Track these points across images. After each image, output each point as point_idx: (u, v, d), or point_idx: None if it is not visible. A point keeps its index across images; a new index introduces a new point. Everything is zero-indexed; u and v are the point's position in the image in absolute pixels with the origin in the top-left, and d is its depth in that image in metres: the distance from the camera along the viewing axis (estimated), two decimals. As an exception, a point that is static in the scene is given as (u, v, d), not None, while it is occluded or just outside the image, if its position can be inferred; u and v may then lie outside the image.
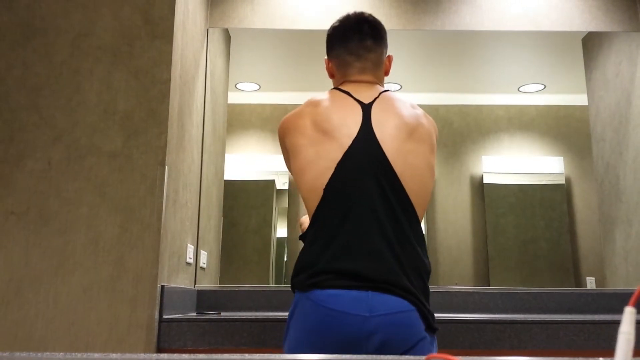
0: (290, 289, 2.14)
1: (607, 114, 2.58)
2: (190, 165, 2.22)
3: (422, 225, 2.46)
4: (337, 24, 1.40)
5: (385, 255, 1.18)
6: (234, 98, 2.58)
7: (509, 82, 2.60)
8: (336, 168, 1.22)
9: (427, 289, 1.23)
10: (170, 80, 1.85)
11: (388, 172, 1.22)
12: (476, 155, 2.54)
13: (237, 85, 2.59)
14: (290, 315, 1.23)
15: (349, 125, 1.26)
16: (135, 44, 1.88)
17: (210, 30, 2.62)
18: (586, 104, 2.59)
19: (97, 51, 1.88)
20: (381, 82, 1.41)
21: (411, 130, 1.27)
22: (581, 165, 2.53)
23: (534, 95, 2.59)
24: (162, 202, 1.77)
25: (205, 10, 2.55)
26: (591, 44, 2.65)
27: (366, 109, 1.29)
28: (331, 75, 1.45)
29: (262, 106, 2.57)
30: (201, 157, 2.46)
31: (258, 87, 2.59)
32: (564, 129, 2.56)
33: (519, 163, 2.53)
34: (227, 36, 2.64)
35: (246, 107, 2.57)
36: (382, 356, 0.68)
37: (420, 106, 2.58)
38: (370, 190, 1.21)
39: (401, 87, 2.60)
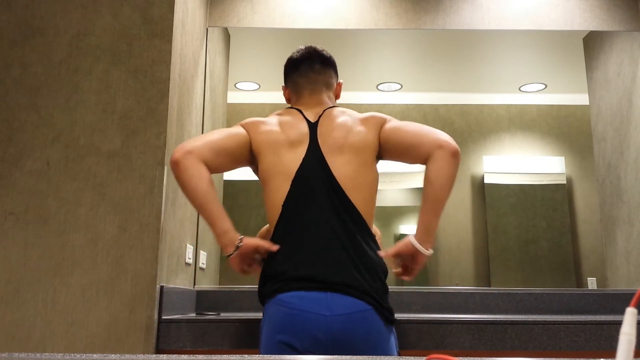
0: None
1: (609, 113, 2.57)
2: (189, 165, 2.21)
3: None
4: (291, 55, 1.61)
5: (342, 261, 1.31)
6: (233, 97, 2.58)
7: (510, 82, 2.59)
8: (291, 185, 1.38)
9: (385, 286, 1.35)
10: (169, 79, 1.84)
11: (336, 188, 1.38)
12: (477, 155, 2.53)
13: (237, 85, 2.59)
14: (262, 324, 1.34)
15: (300, 143, 1.43)
16: (134, 43, 1.87)
17: (210, 29, 2.62)
18: (587, 103, 2.58)
19: (96, 50, 1.87)
20: (331, 102, 1.58)
21: (349, 144, 1.42)
22: (582, 165, 2.52)
23: (535, 95, 2.58)
24: (161, 202, 1.76)
25: (204, 9, 2.55)
26: (592, 44, 2.64)
27: (312, 127, 1.46)
28: (288, 101, 1.63)
29: (262, 106, 2.57)
30: (201, 157, 2.45)
31: (258, 86, 2.58)
32: (565, 129, 2.55)
33: (520, 163, 2.52)
34: (226, 35, 2.64)
35: (246, 106, 2.57)
36: (371, 357, 0.68)
37: (420, 106, 2.57)
38: (322, 205, 1.36)
39: (401, 86, 2.59)
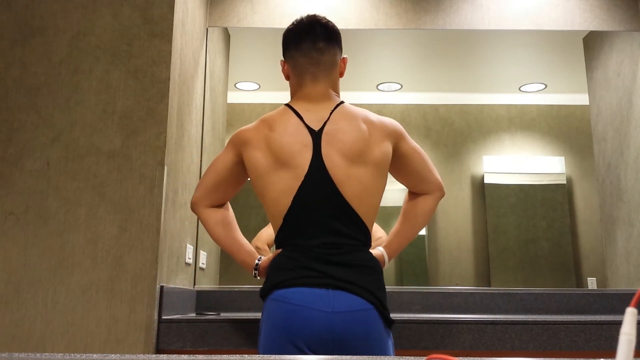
0: None
1: (609, 113, 2.57)
2: (189, 165, 2.22)
3: (423, 225, 2.45)
4: (291, 26, 1.47)
5: (344, 261, 1.31)
6: (233, 97, 2.58)
7: (510, 82, 2.59)
8: (293, 199, 1.34)
9: (383, 286, 1.36)
10: (169, 79, 1.84)
11: (339, 200, 1.34)
12: (477, 155, 2.53)
13: (237, 85, 2.59)
14: (261, 322, 1.33)
15: (301, 156, 1.35)
16: (134, 43, 1.87)
17: (210, 29, 2.62)
18: (587, 103, 2.58)
19: (96, 50, 1.87)
20: (335, 86, 1.48)
21: (357, 155, 1.36)
22: (582, 165, 2.52)
23: (535, 95, 2.58)
24: (161, 202, 1.76)
25: (204, 9, 2.55)
26: (592, 43, 2.64)
27: (316, 137, 1.37)
28: (287, 77, 1.50)
29: (262, 106, 2.57)
30: (200, 157, 2.45)
31: (257, 86, 2.58)
32: (565, 129, 2.55)
33: (520, 163, 2.52)
34: (226, 35, 2.64)
35: (246, 106, 2.57)
36: (371, 357, 0.68)
37: (420, 106, 2.57)
38: (325, 216, 1.34)
39: (401, 86, 2.59)
